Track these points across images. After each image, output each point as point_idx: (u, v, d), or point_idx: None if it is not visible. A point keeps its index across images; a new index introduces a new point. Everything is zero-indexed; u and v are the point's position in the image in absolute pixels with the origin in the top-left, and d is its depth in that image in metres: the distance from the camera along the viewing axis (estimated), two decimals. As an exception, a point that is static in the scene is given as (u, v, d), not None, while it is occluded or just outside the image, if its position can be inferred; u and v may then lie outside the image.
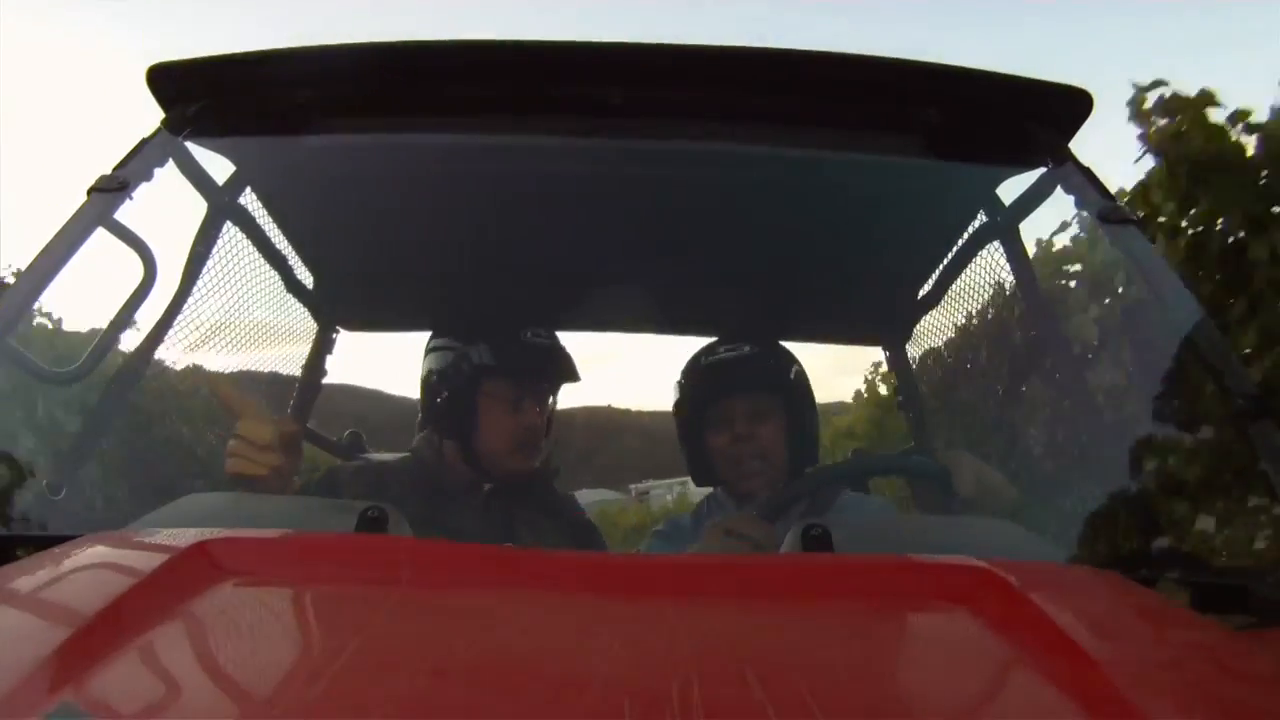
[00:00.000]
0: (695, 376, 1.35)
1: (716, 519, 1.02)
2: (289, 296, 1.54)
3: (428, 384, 1.32)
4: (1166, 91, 2.05)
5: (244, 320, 1.45)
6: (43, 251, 0.89)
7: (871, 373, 4.37)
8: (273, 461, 0.97)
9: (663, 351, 1.54)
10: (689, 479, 1.44)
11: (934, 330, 1.60)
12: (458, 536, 1.21)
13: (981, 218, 1.28)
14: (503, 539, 1.24)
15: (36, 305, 0.91)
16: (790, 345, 1.41)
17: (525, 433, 1.28)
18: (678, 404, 1.37)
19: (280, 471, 0.99)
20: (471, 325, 1.33)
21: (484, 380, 1.27)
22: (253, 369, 1.57)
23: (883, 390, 4.29)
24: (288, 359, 1.65)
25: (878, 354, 1.81)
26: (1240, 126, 1.95)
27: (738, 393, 1.28)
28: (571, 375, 1.36)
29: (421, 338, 1.43)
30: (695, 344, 1.42)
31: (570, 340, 1.38)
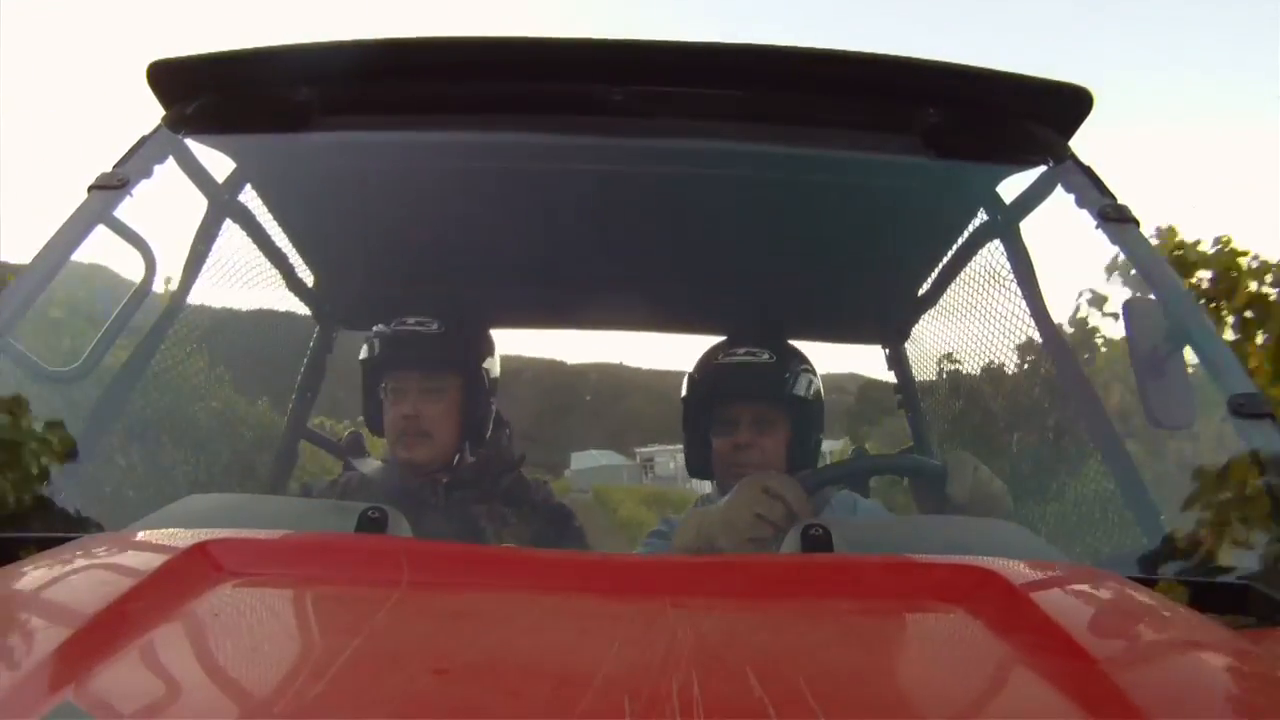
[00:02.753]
0: (707, 374, 1.33)
1: (756, 474, 1.01)
2: (289, 295, 1.54)
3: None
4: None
5: (244, 319, 1.46)
6: (43, 249, 0.89)
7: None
8: None
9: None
10: None
11: (935, 329, 1.60)
12: (418, 535, 1.21)
13: (982, 217, 1.28)
14: (464, 535, 1.24)
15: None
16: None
17: (402, 422, 1.29)
18: (686, 397, 1.36)
19: None
20: (366, 326, 1.38)
21: (376, 376, 1.34)
22: (252, 368, 1.57)
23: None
24: (287, 358, 1.65)
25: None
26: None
27: (746, 399, 1.26)
28: (449, 359, 1.33)
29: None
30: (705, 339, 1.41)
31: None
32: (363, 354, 1.36)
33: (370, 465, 1.46)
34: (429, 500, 1.29)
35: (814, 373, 1.33)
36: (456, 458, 1.35)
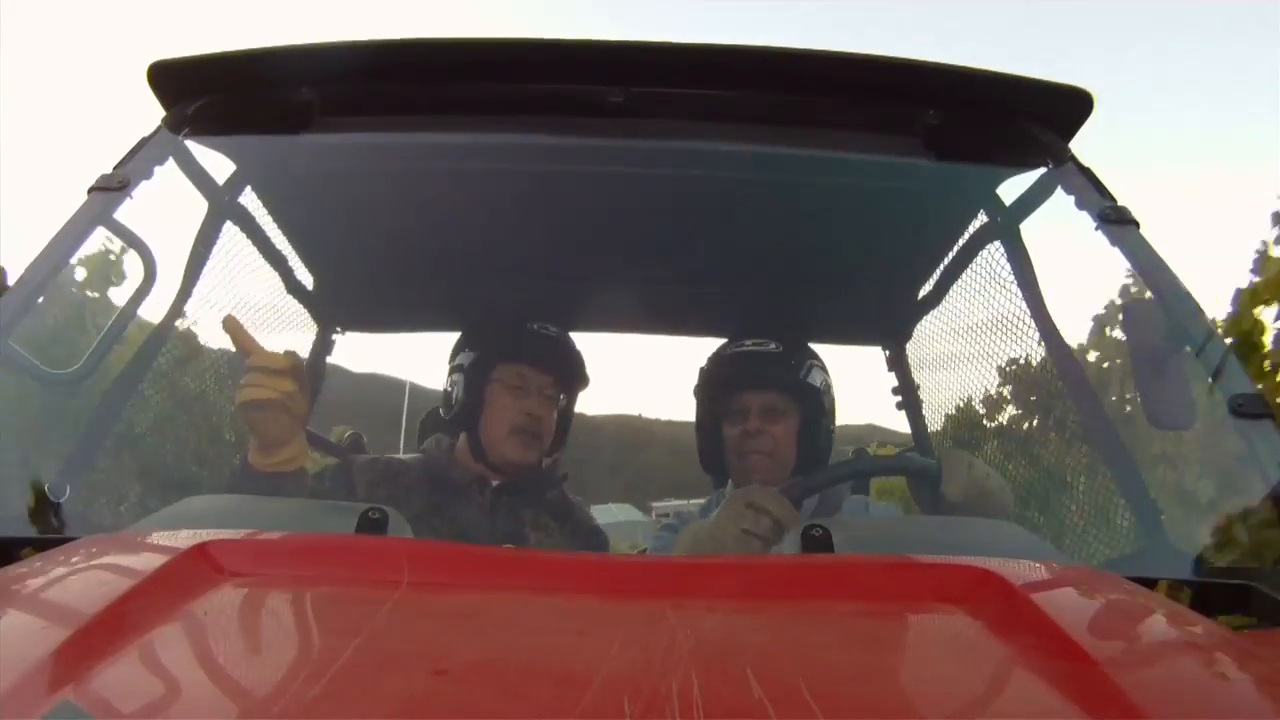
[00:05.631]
0: (719, 365, 1.35)
1: (740, 490, 1.01)
2: (288, 296, 1.54)
3: (448, 385, 1.37)
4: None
5: (244, 319, 1.45)
6: (43, 251, 0.89)
7: None
8: (285, 387, 1.00)
9: (694, 358, 1.49)
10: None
11: (934, 329, 1.60)
12: (461, 534, 1.22)
13: (982, 218, 1.28)
14: (506, 538, 1.24)
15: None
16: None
17: (524, 419, 1.29)
18: (698, 389, 1.38)
19: (293, 398, 1.01)
20: (483, 321, 1.37)
21: (489, 369, 1.31)
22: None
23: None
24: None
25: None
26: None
27: (756, 387, 1.28)
28: (579, 374, 1.36)
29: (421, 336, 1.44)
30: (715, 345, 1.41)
31: (593, 345, 1.41)
32: (476, 347, 1.34)
33: (408, 455, 1.46)
34: (475, 499, 1.29)
35: (824, 368, 1.34)
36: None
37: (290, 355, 1.04)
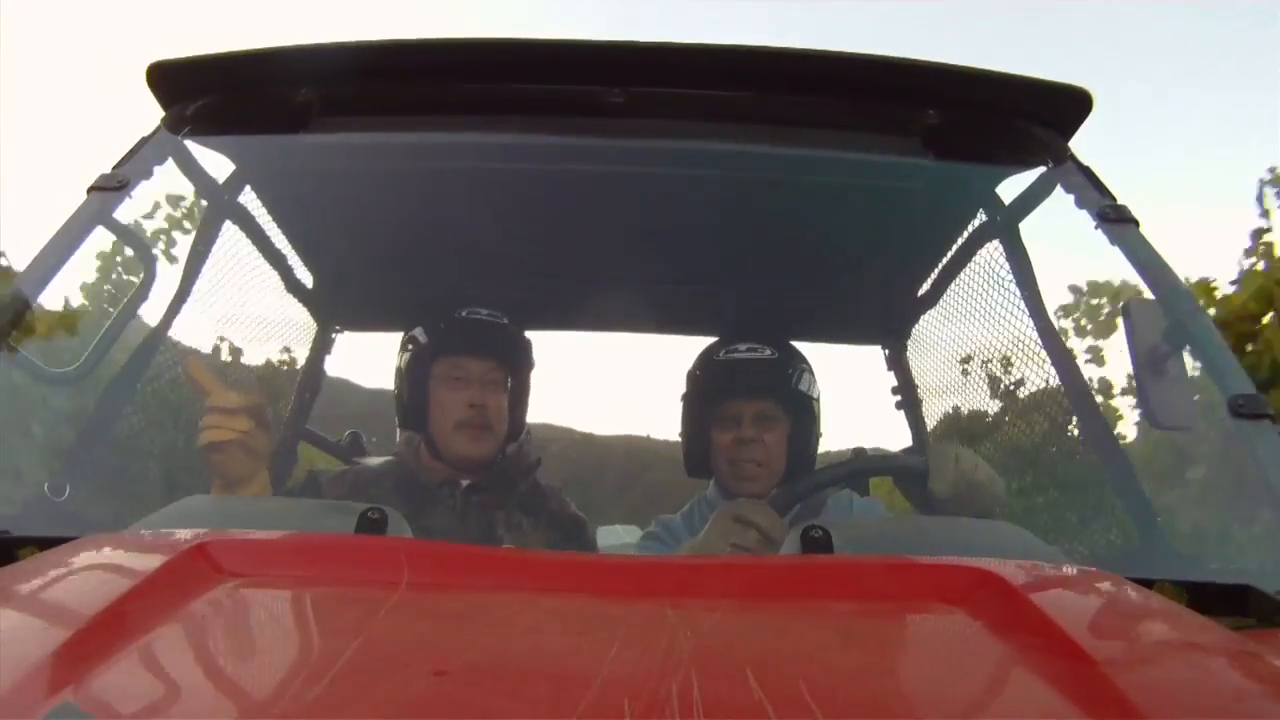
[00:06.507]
0: (711, 370, 1.33)
1: (726, 504, 1.01)
2: (288, 296, 1.54)
3: (394, 387, 1.34)
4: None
5: (244, 319, 1.46)
6: (43, 251, 0.90)
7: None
8: (242, 426, 1.02)
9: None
10: None
11: (934, 329, 1.60)
12: (433, 536, 1.21)
13: (981, 217, 1.28)
14: (479, 538, 1.23)
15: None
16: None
17: (469, 411, 1.25)
18: (687, 393, 1.36)
19: (251, 436, 1.02)
20: (419, 313, 1.35)
21: (428, 363, 1.28)
22: (252, 368, 1.58)
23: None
24: (287, 359, 1.65)
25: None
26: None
27: (751, 394, 1.26)
28: (519, 353, 1.33)
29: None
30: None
31: (601, 352, 1.39)
32: (414, 343, 1.32)
33: (377, 460, 1.45)
34: (446, 502, 1.27)
35: (812, 371, 1.33)
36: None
37: (247, 394, 1.06)
